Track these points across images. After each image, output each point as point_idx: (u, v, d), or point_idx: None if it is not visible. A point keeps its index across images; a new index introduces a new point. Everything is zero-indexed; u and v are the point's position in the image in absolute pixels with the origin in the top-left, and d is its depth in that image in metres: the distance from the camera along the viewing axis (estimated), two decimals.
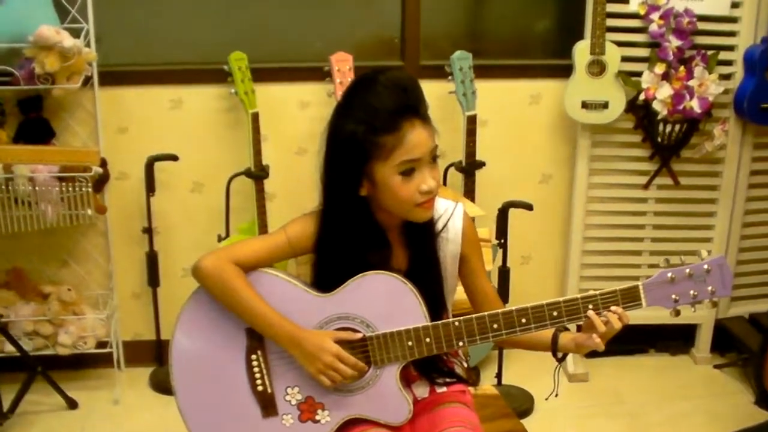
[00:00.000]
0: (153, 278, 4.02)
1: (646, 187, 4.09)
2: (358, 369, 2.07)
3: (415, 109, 1.99)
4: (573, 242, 4.15)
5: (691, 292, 2.02)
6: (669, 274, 2.01)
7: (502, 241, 3.64)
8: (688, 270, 2.01)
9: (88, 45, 3.65)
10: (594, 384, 4.11)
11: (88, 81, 3.72)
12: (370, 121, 1.97)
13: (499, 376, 3.87)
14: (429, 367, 2.22)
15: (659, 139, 3.96)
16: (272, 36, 4.10)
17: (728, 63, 3.94)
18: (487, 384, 3.31)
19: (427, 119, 2.02)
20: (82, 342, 3.82)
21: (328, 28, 4.10)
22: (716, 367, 4.27)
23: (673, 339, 4.35)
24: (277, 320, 2.08)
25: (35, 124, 3.76)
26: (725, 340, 4.30)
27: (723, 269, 2.02)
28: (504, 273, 3.72)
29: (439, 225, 2.18)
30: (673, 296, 2.02)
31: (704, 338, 4.29)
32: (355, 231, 2.10)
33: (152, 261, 4.00)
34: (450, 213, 2.20)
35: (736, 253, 4.21)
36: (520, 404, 3.78)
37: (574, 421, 3.80)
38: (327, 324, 2.10)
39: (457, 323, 2.06)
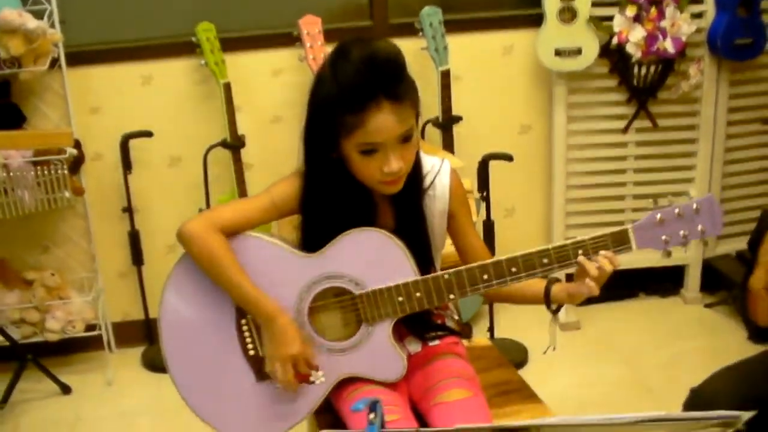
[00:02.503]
0: (136, 257, 4.00)
1: (625, 131, 4.08)
2: (301, 380, 2.06)
3: (385, 89, 1.89)
4: (556, 191, 4.14)
5: (681, 232, 1.98)
6: (658, 216, 1.98)
7: (485, 194, 3.62)
8: (677, 210, 1.97)
9: (52, 26, 3.59)
10: (586, 331, 4.12)
11: (55, 63, 3.67)
12: (336, 96, 1.91)
13: (491, 329, 3.86)
14: (418, 324, 2.21)
15: (635, 82, 3.95)
16: (239, 3, 4.04)
17: (699, 1, 3.92)
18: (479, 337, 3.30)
19: (401, 100, 1.92)
20: (71, 326, 3.79)
21: None
22: (707, 306, 4.28)
23: (663, 281, 4.36)
24: (256, 297, 2.04)
25: (4, 110, 3.71)
26: (714, 278, 4.31)
27: (713, 207, 1.98)
28: (489, 226, 3.70)
29: (426, 182, 2.15)
30: (663, 237, 1.99)
31: (693, 278, 4.31)
32: (337, 191, 2.07)
33: (134, 240, 3.98)
34: (437, 170, 2.16)
35: (719, 192, 4.21)
36: (514, 356, 3.78)
37: (571, 370, 3.80)
38: (315, 284, 2.07)
39: (446, 276, 2.03)
